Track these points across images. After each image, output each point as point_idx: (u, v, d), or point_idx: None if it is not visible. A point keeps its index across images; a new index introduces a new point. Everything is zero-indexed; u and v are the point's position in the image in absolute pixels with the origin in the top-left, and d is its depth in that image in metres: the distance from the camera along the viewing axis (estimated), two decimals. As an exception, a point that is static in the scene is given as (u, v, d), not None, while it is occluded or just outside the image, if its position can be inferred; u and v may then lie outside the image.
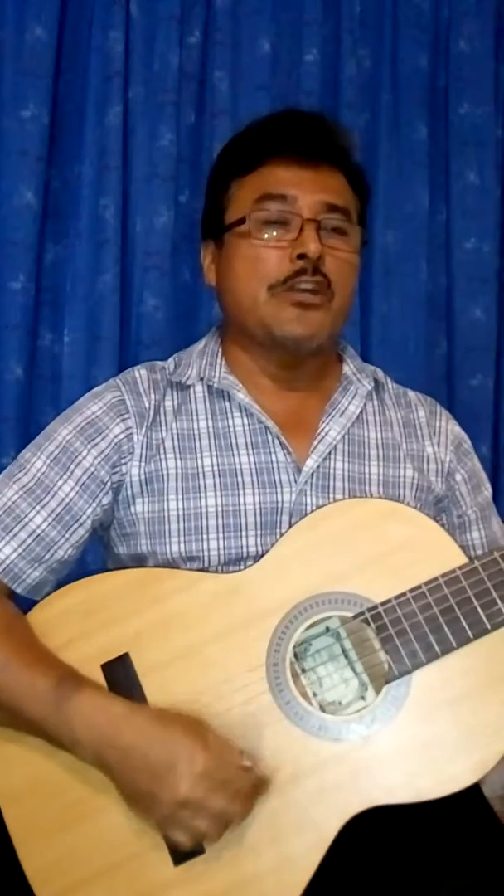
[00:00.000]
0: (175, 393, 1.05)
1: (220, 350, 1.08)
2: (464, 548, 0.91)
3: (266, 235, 1.00)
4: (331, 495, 1.00)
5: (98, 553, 1.10)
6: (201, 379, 1.05)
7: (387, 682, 0.87)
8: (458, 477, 1.10)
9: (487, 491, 1.14)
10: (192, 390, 1.05)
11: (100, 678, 0.88)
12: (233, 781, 0.81)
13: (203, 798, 0.80)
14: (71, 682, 0.85)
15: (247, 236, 1.01)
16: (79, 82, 1.66)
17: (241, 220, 1.02)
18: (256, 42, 1.75)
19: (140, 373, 1.07)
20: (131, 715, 0.84)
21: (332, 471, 1.02)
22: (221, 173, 1.07)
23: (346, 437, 1.04)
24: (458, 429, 1.14)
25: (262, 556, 0.92)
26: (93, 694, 0.85)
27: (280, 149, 1.02)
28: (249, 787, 0.82)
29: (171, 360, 1.10)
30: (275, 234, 1.00)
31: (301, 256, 0.98)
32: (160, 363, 1.10)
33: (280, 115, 1.08)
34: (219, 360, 1.06)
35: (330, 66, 1.78)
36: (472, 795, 0.92)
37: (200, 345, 1.11)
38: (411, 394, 1.15)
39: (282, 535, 0.93)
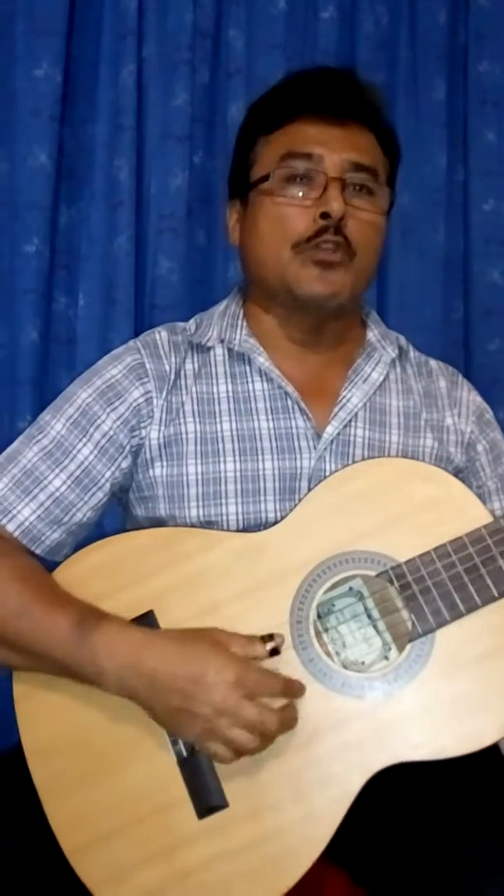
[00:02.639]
0: (196, 355, 1.04)
1: (241, 311, 1.07)
2: None
3: (290, 193, 0.99)
4: (350, 462, 0.99)
5: (115, 516, 1.10)
6: (222, 341, 1.04)
7: (410, 641, 0.87)
8: (479, 448, 1.09)
9: None
10: (212, 353, 1.04)
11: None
12: (263, 688, 0.82)
13: (237, 705, 0.80)
14: (91, 618, 0.86)
15: (270, 194, 1.00)
16: (92, 41, 1.63)
17: (266, 178, 1.00)
18: (271, -1, 1.72)
19: (160, 335, 1.06)
20: (151, 640, 0.85)
21: (352, 438, 1.01)
22: (248, 130, 1.05)
23: (368, 404, 1.03)
24: (479, 399, 1.13)
25: (282, 519, 0.92)
26: (113, 626, 0.86)
27: (308, 106, 1.00)
28: (280, 692, 0.83)
29: (192, 321, 1.09)
30: (299, 192, 0.99)
31: (324, 216, 0.97)
32: (181, 324, 1.09)
33: (309, 72, 1.06)
34: (240, 322, 1.05)
35: (346, 23, 1.74)
36: (494, 756, 0.93)
37: (221, 306, 1.10)
38: (433, 363, 1.13)
39: (302, 497, 0.93)
